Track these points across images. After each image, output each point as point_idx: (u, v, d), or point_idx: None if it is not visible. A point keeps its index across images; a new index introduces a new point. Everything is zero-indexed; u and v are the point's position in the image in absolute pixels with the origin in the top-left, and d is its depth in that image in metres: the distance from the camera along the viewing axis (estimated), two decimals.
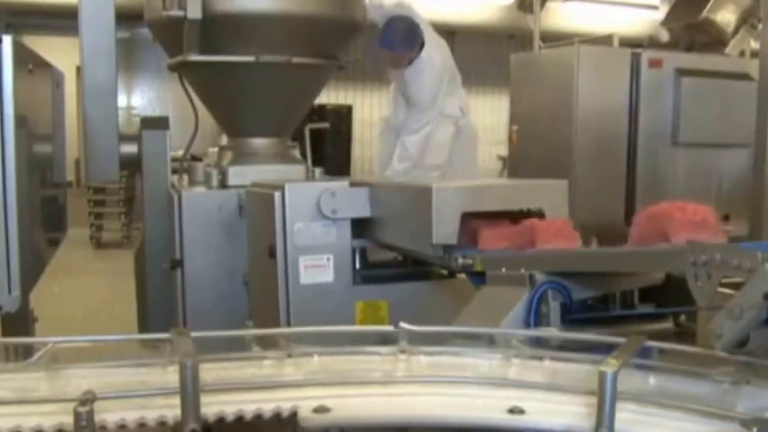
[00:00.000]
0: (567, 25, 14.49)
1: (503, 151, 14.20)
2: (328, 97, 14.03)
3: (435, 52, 6.17)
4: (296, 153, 4.79)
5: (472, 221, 2.71)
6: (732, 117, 7.48)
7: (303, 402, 1.77)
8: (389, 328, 2.13)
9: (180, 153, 4.89)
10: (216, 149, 4.85)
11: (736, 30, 9.19)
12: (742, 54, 9.28)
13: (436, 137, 6.28)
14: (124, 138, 4.20)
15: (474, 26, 14.50)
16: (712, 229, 2.04)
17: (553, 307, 2.21)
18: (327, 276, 3.29)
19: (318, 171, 4.58)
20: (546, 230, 2.49)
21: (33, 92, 3.38)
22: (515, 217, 2.74)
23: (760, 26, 6.07)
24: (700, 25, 9.25)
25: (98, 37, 3.85)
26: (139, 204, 6.44)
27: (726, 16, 9.08)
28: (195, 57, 4.19)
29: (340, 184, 3.33)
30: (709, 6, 9.12)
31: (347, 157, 15.14)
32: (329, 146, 13.29)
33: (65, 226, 4.61)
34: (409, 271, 3.44)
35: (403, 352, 2.05)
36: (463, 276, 2.73)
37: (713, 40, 9.12)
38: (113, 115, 4.02)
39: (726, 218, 7.23)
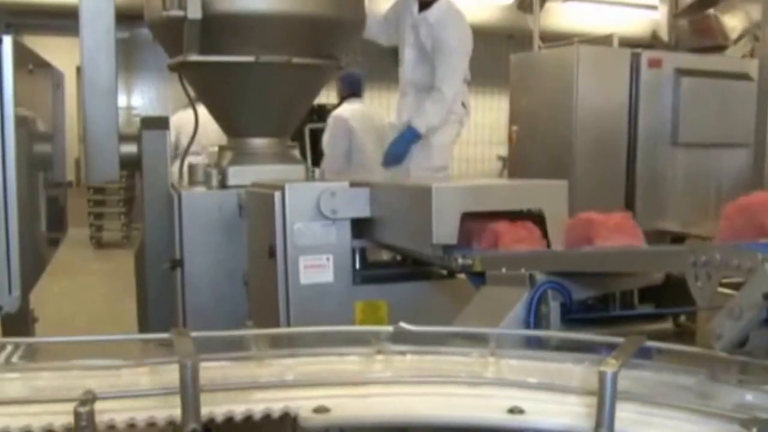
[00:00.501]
0: (566, 25, 14.50)
1: (503, 151, 14.22)
2: (328, 97, 13.99)
3: (458, 16, 6.19)
4: (296, 153, 4.80)
5: (473, 220, 2.72)
6: (731, 117, 7.48)
7: (303, 402, 1.77)
8: (389, 328, 2.13)
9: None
10: (216, 149, 4.86)
11: (740, 38, 9.24)
12: (742, 57, 9.33)
13: (441, 138, 6.26)
14: (124, 138, 4.21)
15: (473, 26, 14.37)
16: None
17: (553, 307, 2.21)
18: (327, 276, 3.29)
19: (318, 171, 4.59)
20: (604, 225, 2.45)
21: (33, 92, 3.38)
22: (514, 217, 2.75)
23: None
24: (706, 21, 9.29)
25: (98, 36, 3.86)
26: (139, 204, 6.46)
27: (733, 21, 9.13)
28: (195, 57, 4.19)
29: (340, 185, 3.33)
30: (720, 5, 9.16)
31: None
32: None
33: (65, 226, 4.61)
34: (408, 271, 3.45)
35: (403, 352, 2.05)
36: (462, 276, 2.74)
37: (715, 44, 9.16)
38: (113, 114, 4.03)
39: None
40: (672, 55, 8.20)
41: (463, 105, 6.39)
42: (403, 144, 6.15)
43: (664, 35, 12.65)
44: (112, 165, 4.04)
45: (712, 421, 1.60)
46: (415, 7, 6.17)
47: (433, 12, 6.07)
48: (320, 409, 1.75)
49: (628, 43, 9.39)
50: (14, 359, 1.98)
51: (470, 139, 17.49)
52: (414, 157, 6.24)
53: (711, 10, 10.11)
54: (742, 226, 2.09)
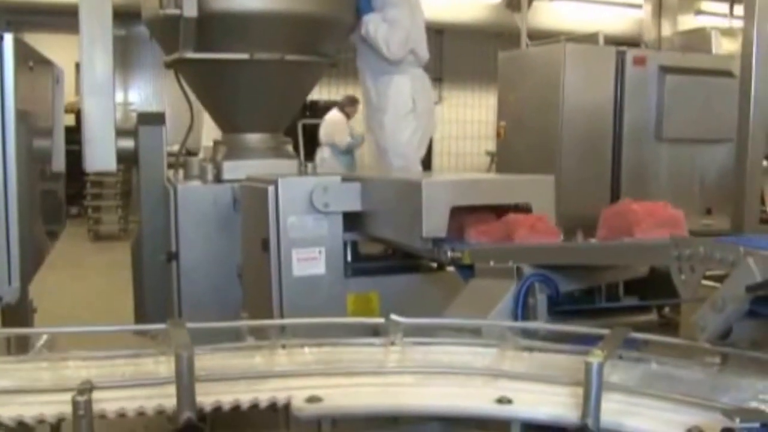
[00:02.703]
0: (554, 23, 14.54)
1: (491, 146, 14.24)
2: (320, 93, 14.02)
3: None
4: (289, 148, 4.82)
5: (460, 215, 2.76)
6: (714, 113, 7.53)
7: (296, 392, 1.79)
8: (380, 319, 2.17)
9: (176, 148, 4.92)
10: (211, 144, 4.88)
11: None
12: None
13: (394, 137, 6.11)
14: (121, 133, 4.25)
15: (462, 25, 14.55)
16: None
17: (540, 299, 2.25)
18: (319, 268, 3.33)
19: (310, 165, 4.61)
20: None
21: (33, 88, 3.41)
22: (504, 210, 2.79)
23: None
24: (702, 38, 9.37)
25: (96, 31, 3.89)
26: (136, 197, 6.47)
27: (730, 46, 9.19)
28: (190, 54, 4.24)
29: (332, 179, 3.38)
30: (724, 28, 9.23)
31: None
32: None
33: (64, 219, 4.65)
34: (399, 263, 3.48)
35: (394, 343, 2.08)
36: (452, 268, 2.77)
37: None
38: (110, 107, 4.05)
39: (708, 212, 7.29)
40: (656, 52, 8.24)
41: (414, 101, 6.13)
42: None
43: (647, 33, 12.69)
44: (110, 154, 4.07)
45: (696, 411, 1.62)
46: None
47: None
48: (313, 399, 1.77)
49: (613, 41, 9.41)
50: None
51: (459, 134, 17.54)
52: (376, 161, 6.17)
53: (711, 28, 10.18)
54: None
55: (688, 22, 14.20)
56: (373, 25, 5.65)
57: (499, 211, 2.80)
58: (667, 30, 12.43)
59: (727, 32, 9.73)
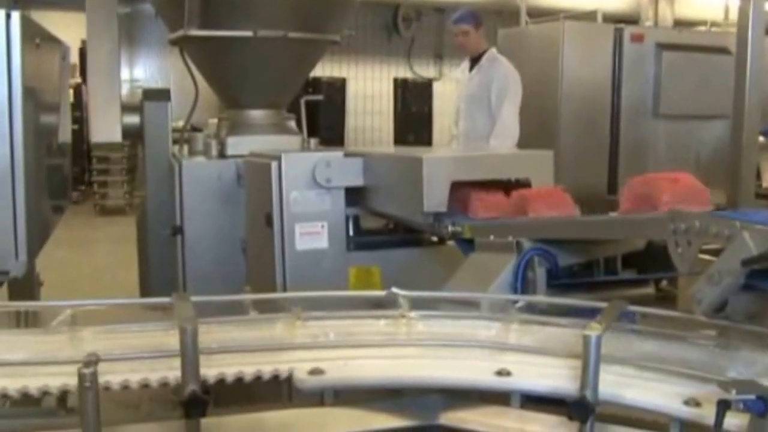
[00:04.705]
0: (552, 1, 14.48)
1: None
2: (323, 70, 13.99)
3: (504, 59, 6.18)
4: (292, 124, 4.84)
5: (463, 189, 2.78)
6: (710, 89, 7.52)
7: (299, 364, 1.82)
8: (381, 293, 2.19)
9: (181, 123, 4.94)
10: (216, 120, 4.90)
11: None
12: None
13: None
14: (127, 109, 4.27)
15: (462, 2, 14.48)
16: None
17: (540, 273, 2.27)
18: (322, 242, 3.36)
19: (313, 141, 4.63)
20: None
21: (40, 65, 3.42)
22: (504, 185, 2.81)
23: None
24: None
25: (102, 10, 3.92)
26: (142, 172, 6.51)
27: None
28: (195, 32, 4.26)
29: (335, 154, 3.40)
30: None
31: (341, 129, 15.15)
32: (324, 118, 13.25)
33: (69, 194, 4.67)
34: (400, 238, 3.51)
35: (395, 316, 2.10)
36: (452, 243, 2.80)
37: None
38: (115, 79, 4.08)
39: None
40: (653, 29, 8.22)
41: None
42: None
43: (645, 12, 12.69)
44: (115, 126, 4.10)
45: (693, 383, 1.65)
46: (467, 68, 6.27)
47: (484, 61, 6.14)
48: (315, 371, 1.79)
49: (611, 18, 9.41)
50: None
51: None
52: None
53: (710, 23, 10.21)
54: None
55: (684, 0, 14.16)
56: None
57: (500, 185, 2.83)
58: (665, 8, 12.42)
59: (727, 25, 9.74)
